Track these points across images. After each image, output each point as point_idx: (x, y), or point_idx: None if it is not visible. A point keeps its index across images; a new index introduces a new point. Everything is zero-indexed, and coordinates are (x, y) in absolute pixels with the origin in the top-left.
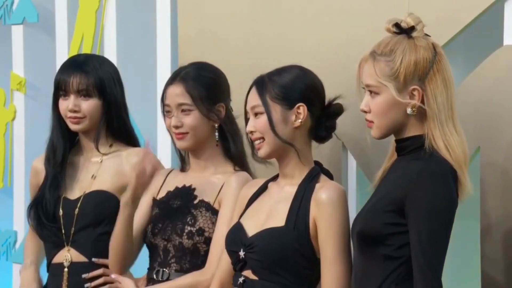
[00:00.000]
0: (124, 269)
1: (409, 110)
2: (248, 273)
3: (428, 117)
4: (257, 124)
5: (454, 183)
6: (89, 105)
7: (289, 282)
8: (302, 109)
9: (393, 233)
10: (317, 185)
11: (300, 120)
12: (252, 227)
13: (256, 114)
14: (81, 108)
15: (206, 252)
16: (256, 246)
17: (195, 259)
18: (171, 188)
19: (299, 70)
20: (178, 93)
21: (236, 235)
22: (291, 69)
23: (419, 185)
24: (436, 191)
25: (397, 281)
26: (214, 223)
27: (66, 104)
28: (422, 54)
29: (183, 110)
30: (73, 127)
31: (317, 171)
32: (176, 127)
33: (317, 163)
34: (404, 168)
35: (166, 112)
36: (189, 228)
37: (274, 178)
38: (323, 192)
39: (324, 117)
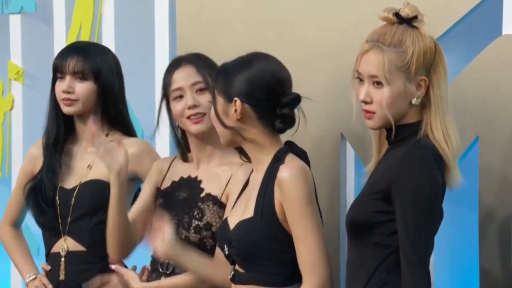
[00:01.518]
0: (122, 253)
1: (414, 100)
2: (237, 266)
3: (431, 106)
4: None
5: (438, 169)
6: (83, 88)
7: (271, 270)
8: (237, 104)
9: (382, 221)
10: (281, 167)
11: (237, 114)
12: (234, 221)
13: None
14: (75, 90)
15: (212, 247)
16: (234, 241)
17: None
18: (176, 178)
19: (246, 61)
20: (190, 73)
21: (222, 231)
22: (242, 60)
23: (403, 171)
24: (420, 177)
25: (388, 270)
26: (221, 218)
27: (61, 86)
28: (429, 44)
29: (199, 90)
30: (65, 109)
31: (282, 152)
32: (194, 106)
33: (287, 143)
34: (394, 156)
35: (177, 97)
36: (196, 222)
37: None
38: (283, 172)
39: (278, 107)
